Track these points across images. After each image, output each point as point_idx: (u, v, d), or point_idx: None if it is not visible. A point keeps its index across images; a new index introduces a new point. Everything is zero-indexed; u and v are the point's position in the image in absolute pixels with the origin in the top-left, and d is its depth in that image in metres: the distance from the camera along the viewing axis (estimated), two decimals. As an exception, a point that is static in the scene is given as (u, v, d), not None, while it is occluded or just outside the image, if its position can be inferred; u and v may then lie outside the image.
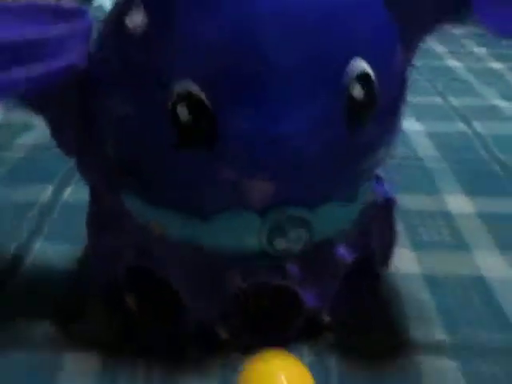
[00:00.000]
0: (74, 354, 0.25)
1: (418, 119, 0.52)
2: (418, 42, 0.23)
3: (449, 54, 0.71)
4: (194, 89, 0.18)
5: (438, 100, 0.57)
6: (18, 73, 0.19)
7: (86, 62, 0.22)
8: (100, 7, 0.83)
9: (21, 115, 0.47)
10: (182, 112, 0.19)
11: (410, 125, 0.51)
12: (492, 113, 0.54)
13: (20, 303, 0.28)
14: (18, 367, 0.24)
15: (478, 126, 0.51)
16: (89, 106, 0.22)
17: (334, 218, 0.23)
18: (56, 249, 0.32)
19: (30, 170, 0.41)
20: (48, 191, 0.38)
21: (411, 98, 0.58)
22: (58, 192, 0.38)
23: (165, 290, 0.25)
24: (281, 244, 0.23)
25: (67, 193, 0.38)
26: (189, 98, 0.18)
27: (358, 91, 0.19)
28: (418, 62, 0.74)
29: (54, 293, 0.29)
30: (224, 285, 0.23)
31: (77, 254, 0.31)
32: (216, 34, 0.18)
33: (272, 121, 0.19)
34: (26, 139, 0.45)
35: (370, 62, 0.20)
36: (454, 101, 0.56)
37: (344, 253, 0.25)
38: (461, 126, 0.51)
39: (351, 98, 0.19)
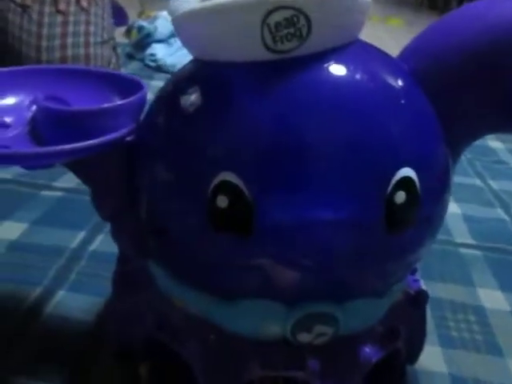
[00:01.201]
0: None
1: (456, 201, 0.51)
2: (463, 148, 0.23)
3: (491, 135, 0.70)
4: (235, 179, 0.18)
5: (478, 182, 0.56)
6: (68, 142, 0.20)
7: (135, 134, 0.22)
8: (153, 55, 0.87)
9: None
10: (221, 200, 0.19)
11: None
12: (533, 201, 0.52)
13: (33, 357, 0.28)
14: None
15: (518, 213, 0.49)
16: (131, 175, 0.22)
17: (362, 315, 0.23)
18: (78, 300, 0.32)
19: (65, 213, 0.42)
20: (79, 238, 0.38)
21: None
22: (88, 240, 0.38)
23: (179, 365, 0.24)
24: (304, 338, 0.22)
25: (97, 241, 0.38)
26: (228, 187, 0.18)
27: (400, 196, 0.19)
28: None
29: (69, 349, 0.29)
30: (241, 371, 0.22)
31: (98, 307, 0.31)
32: (257, 124, 0.19)
33: (308, 208, 0.19)
34: (66, 181, 0.46)
35: (414, 168, 0.19)
36: (494, 184, 0.55)
37: (369, 351, 0.23)
38: (499, 213, 0.49)
39: (392, 201, 0.19)
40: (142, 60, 0.87)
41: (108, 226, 0.26)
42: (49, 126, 0.22)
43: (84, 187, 0.24)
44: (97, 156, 0.21)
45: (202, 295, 0.22)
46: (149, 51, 0.86)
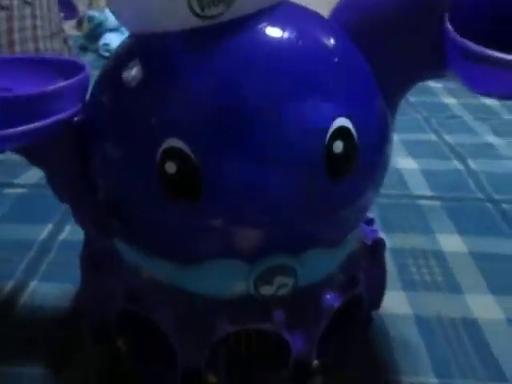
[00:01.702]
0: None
1: (413, 157, 0.53)
2: (399, 96, 0.24)
3: (444, 91, 0.73)
4: (181, 144, 0.19)
5: (433, 137, 0.58)
6: (15, 129, 0.20)
7: (82, 114, 0.23)
8: (106, 45, 0.86)
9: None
10: (169, 166, 0.19)
11: (404, 162, 0.52)
12: (486, 150, 0.55)
13: (11, 344, 0.29)
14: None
15: (472, 164, 0.51)
16: (83, 155, 0.23)
17: (319, 264, 0.24)
18: (51, 288, 0.33)
19: (30, 207, 0.42)
20: (46, 230, 0.39)
21: (406, 135, 0.60)
22: (56, 231, 0.39)
23: (155, 334, 0.25)
24: (267, 290, 0.23)
25: (65, 232, 0.39)
26: (175, 153, 0.19)
27: (337, 146, 0.20)
28: (413, 98, 0.75)
29: (46, 334, 0.29)
30: (211, 329, 0.23)
31: (71, 294, 0.32)
32: (198, 90, 0.19)
33: (255, 171, 0.20)
34: (28, 177, 0.46)
35: (350, 118, 0.21)
36: (449, 138, 0.57)
37: (330, 298, 0.25)
38: (455, 164, 0.52)
39: (331, 151, 0.20)
40: (95, 51, 0.86)
41: None
42: (-5, 115, 0.22)
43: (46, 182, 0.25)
44: (46, 139, 0.21)
45: (165, 263, 0.23)
46: (102, 41, 0.85)
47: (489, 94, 0.21)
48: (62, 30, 0.71)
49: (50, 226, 0.39)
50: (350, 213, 0.23)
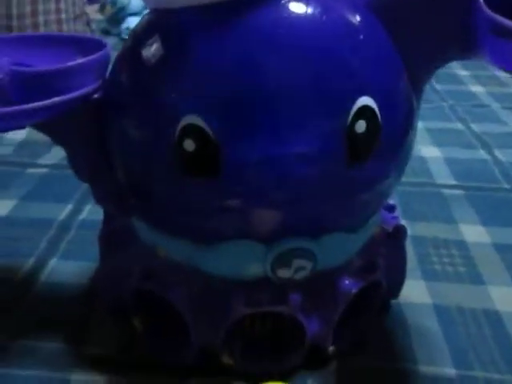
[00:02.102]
0: (79, 372, 0.26)
1: (438, 145, 0.52)
2: (425, 79, 0.23)
3: (472, 79, 0.71)
4: (199, 121, 0.19)
5: (460, 126, 0.56)
6: (36, 104, 0.20)
7: (102, 91, 0.22)
8: (128, 29, 0.86)
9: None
10: (188, 143, 0.19)
11: (428, 151, 0.50)
12: (514, 140, 0.53)
13: (31, 320, 0.29)
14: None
15: (499, 153, 0.50)
16: (102, 133, 0.23)
17: (338, 249, 0.24)
18: (70, 266, 0.33)
19: (51, 188, 0.42)
20: (66, 210, 0.39)
21: (431, 123, 0.58)
22: (75, 211, 0.39)
23: (171, 314, 0.25)
24: (284, 273, 0.23)
25: (85, 212, 0.39)
26: (194, 130, 0.19)
27: (360, 125, 0.19)
28: (439, 86, 0.73)
29: (65, 311, 0.30)
30: (227, 310, 0.23)
31: (90, 272, 0.32)
32: (219, 67, 0.19)
33: (274, 149, 0.19)
34: (49, 158, 0.46)
35: (374, 98, 0.20)
36: (476, 127, 0.56)
37: (348, 283, 0.25)
38: (481, 154, 0.50)
39: (353, 131, 0.19)
40: (118, 34, 0.86)
41: None
42: (16, 90, 0.22)
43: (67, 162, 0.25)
44: (66, 115, 0.21)
45: (182, 242, 0.23)
46: (124, 25, 0.85)
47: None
48: (84, 13, 0.71)
49: (70, 206, 0.40)
50: (370, 197, 0.22)
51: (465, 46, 0.21)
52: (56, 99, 0.20)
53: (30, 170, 0.45)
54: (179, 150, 0.20)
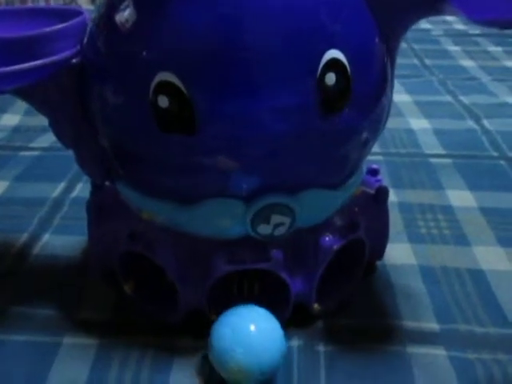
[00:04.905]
0: (71, 337, 0.26)
1: (427, 117, 0.52)
2: (399, 33, 0.23)
3: (462, 54, 0.71)
4: (173, 78, 0.19)
5: (449, 99, 0.57)
6: (16, 66, 0.21)
7: (80, 56, 0.23)
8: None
9: (38, 119, 0.49)
10: (162, 100, 0.20)
11: (417, 123, 0.51)
12: (503, 110, 0.53)
13: (25, 290, 0.30)
14: (18, 349, 0.26)
15: (488, 123, 0.50)
16: (82, 98, 0.24)
17: (316, 205, 0.24)
18: (63, 240, 0.34)
19: (44, 169, 0.43)
20: (59, 188, 0.40)
21: (421, 97, 0.58)
22: (68, 189, 0.40)
23: (158, 276, 0.26)
24: (265, 230, 0.23)
25: (77, 190, 0.40)
26: (167, 86, 0.20)
27: (330, 77, 0.20)
28: (429, 61, 0.73)
29: (58, 280, 0.30)
30: (210, 269, 0.24)
31: (82, 245, 0.33)
32: (191, 25, 0.20)
33: (247, 104, 0.20)
34: (42, 141, 0.47)
35: (345, 51, 0.20)
36: (465, 99, 0.56)
37: (329, 240, 0.25)
38: (470, 124, 0.51)
39: (324, 83, 0.20)
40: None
41: (86, 176, 0.27)
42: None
43: (59, 145, 0.26)
44: (48, 80, 0.22)
45: (164, 203, 0.24)
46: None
47: (488, 22, 0.20)
48: (73, 1, 0.71)
49: (62, 185, 0.40)
50: (346, 150, 0.23)
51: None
52: (34, 63, 0.21)
53: (23, 153, 0.46)
54: (154, 107, 0.20)
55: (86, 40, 0.23)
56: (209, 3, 0.20)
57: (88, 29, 0.23)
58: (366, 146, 0.24)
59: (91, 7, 0.92)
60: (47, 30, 0.22)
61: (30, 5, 0.61)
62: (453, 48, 0.73)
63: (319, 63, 0.20)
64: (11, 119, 0.52)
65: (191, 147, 0.21)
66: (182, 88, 0.20)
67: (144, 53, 0.20)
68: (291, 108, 0.20)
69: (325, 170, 0.23)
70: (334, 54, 0.20)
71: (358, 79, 0.21)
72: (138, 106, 0.21)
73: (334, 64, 0.20)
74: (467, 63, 0.68)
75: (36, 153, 0.46)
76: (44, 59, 0.21)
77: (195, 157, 0.21)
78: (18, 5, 0.61)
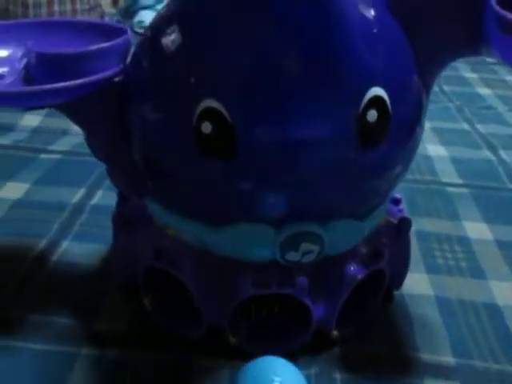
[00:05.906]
0: (88, 348, 0.27)
1: (444, 145, 0.52)
2: (435, 73, 0.24)
3: (480, 82, 0.71)
4: (217, 105, 0.20)
5: (465, 126, 0.57)
6: (62, 84, 0.21)
7: (123, 75, 0.23)
8: (140, 22, 0.87)
9: (58, 121, 0.50)
10: (205, 126, 0.20)
11: (434, 150, 0.51)
12: (520, 142, 0.53)
13: (44, 297, 0.30)
14: (33, 357, 0.26)
15: (504, 154, 0.51)
16: (122, 116, 0.24)
17: (345, 235, 0.24)
18: (82, 248, 0.34)
19: (64, 173, 0.43)
20: (79, 194, 0.40)
21: (437, 123, 0.59)
22: (88, 196, 0.40)
23: (180, 293, 0.26)
24: (293, 257, 0.24)
25: (97, 197, 0.40)
26: (212, 113, 0.20)
27: (371, 115, 0.20)
28: (447, 87, 0.73)
29: (77, 289, 0.31)
30: (235, 290, 0.24)
31: (102, 253, 0.33)
32: (236, 54, 0.20)
33: (287, 134, 0.20)
34: (62, 144, 0.47)
35: (386, 88, 0.21)
36: (481, 128, 0.56)
37: (354, 269, 0.25)
38: (486, 154, 0.51)
39: (365, 120, 0.20)
40: (130, 28, 0.87)
41: (106, 182, 0.27)
42: (41, 71, 0.23)
43: (80, 149, 0.26)
44: (87, 96, 0.22)
45: (193, 223, 0.24)
46: (137, 18, 0.85)
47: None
48: (99, 5, 0.72)
49: (82, 191, 0.41)
50: (378, 184, 0.23)
51: (474, 41, 0.22)
52: (78, 81, 0.21)
53: (43, 156, 0.46)
54: (197, 132, 0.20)
55: (130, 59, 0.23)
56: (254, 31, 0.20)
57: (132, 49, 0.23)
58: (398, 177, 0.24)
59: (113, 10, 0.93)
60: (93, 48, 0.22)
61: (69, 18, 0.62)
62: (470, 75, 0.74)
63: (362, 100, 0.20)
64: (32, 120, 0.53)
65: (228, 172, 0.21)
66: (226, 115, 0.20)
67: (191, 79, 0.20)
68: (330, 140, 0.20)
69: (356, 201, 0.23)
70: (377, 91, 0.20)
71: (397, 115, 0.21)
72: (180, 130, 0.21)
73: (376, 101, 0.20)
74: (484, 91, 0.68)
75: (56, 156, 0.46)
76: (89, 77, 0.21)
77: (231, 181, 0.21)
78: (44, 15, 0.61)
